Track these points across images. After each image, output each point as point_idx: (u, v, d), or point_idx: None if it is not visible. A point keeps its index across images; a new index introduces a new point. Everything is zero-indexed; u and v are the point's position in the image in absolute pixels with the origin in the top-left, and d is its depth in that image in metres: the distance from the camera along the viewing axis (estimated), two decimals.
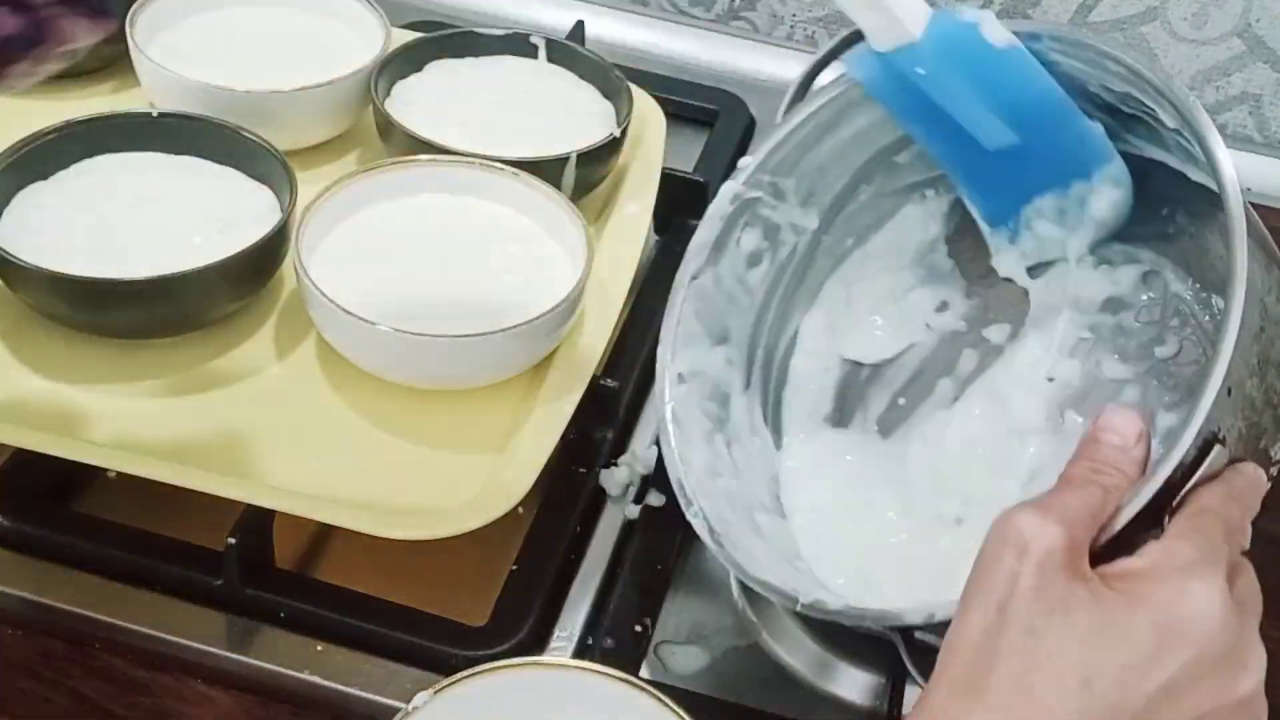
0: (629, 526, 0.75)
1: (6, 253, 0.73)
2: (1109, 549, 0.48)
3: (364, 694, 0.67)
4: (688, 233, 0.93)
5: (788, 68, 1.12)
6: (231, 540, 0.67)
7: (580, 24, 1.07)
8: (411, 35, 0.96)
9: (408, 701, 0.57)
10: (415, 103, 0.91)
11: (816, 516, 0.70)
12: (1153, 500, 0.49)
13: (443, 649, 0.67)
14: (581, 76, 0.95)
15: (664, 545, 0.75)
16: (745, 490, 0.69)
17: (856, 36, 0.65)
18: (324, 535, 0.76)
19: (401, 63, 0.92)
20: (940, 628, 0.53)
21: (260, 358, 0.79)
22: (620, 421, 0.80)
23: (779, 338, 0.74)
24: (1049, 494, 0.49)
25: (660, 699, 0.57)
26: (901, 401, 0.74)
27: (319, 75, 0.88)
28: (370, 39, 0.93)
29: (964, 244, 0.73)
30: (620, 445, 0.79)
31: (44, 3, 0.42)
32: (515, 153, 0.84)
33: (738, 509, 0.67)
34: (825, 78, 0.69)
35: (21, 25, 0.42)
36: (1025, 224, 0.67)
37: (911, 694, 0.67)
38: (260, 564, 0.70)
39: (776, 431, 0.74)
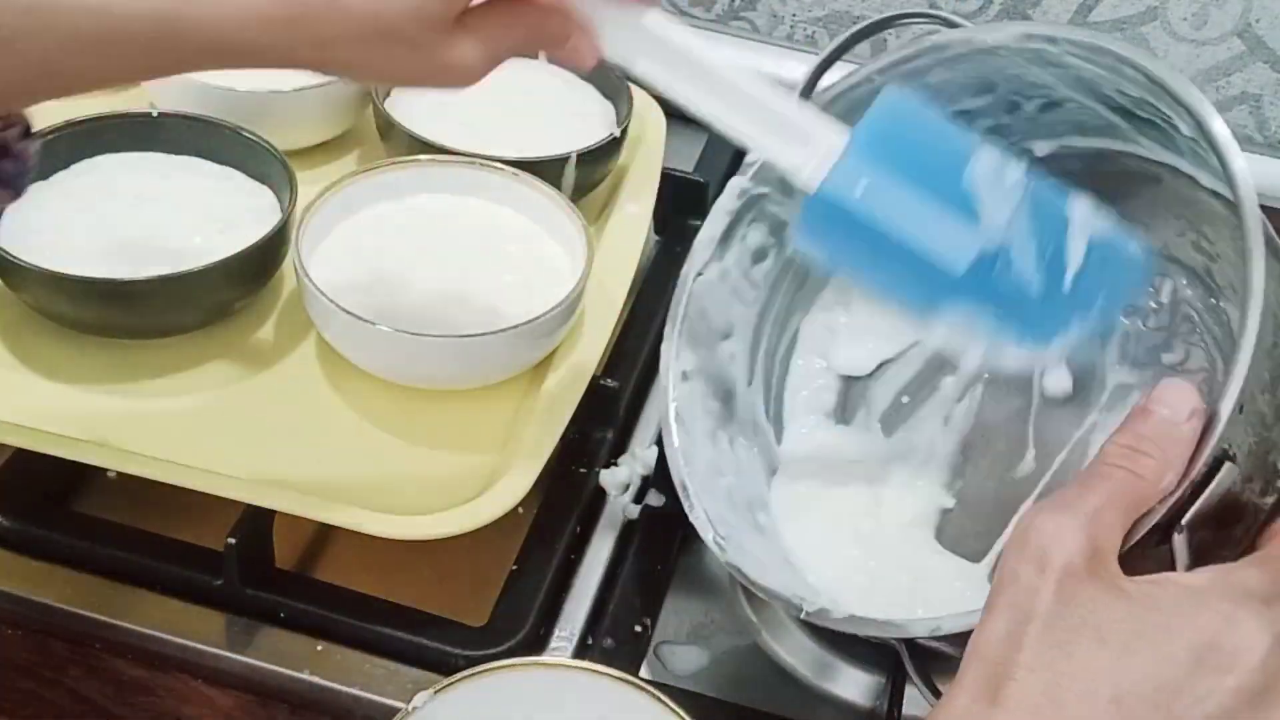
0: (629, 526, 0.75)
1: (6, 253, 0.73)
2: (1120, 558, 0.47)
3: (364, 694, 0.67)
4: (688, 233, 0.94)
5: (788, 68, 1.11)
6: (231, 540, 0.67)
7: None
8: None
9: (408, 701, 0.57)
10: (415, 103, 0.91)
11: (813, 515, 0.70)
12: (1161, 518, 0.48)
13: (443, 649, 0.67)
14: (581, 76, 0.95)
15: (664, 545, 0.75)
16: (747, 488, 0.69)
17: (867, 31, 0.64)
18: (324, 535, 0.76)
19: None
20: (947, 640, 0.53)
21: (260, 358, 0.79)
22: (620, 421, 0.80)
23: (782, 334, 0.74)
24: (1074, 486, 0.47)
25: (660, 699, 0.57)
26: (905, 399, 0.74)
27: (319, 75, 0.88)
28: None
29: None
30: (620, 445, 0.79)
31: None
32: (515, 153, 0.84)
33: (739, 508, 0.67)
34: (829, 78, 0.69)
35: None
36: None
37: (911, 694, 0.67)
38: (260, 564, 0.70)
39: (779, 427, 0.74)
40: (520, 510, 0.71)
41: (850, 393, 0.75)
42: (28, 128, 0.55)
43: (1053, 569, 0.45)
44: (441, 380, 0.77)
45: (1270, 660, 0.44)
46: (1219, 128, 0.55)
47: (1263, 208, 0.56)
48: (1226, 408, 0.48)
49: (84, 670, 0.67)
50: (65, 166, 0.80)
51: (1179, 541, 0.48)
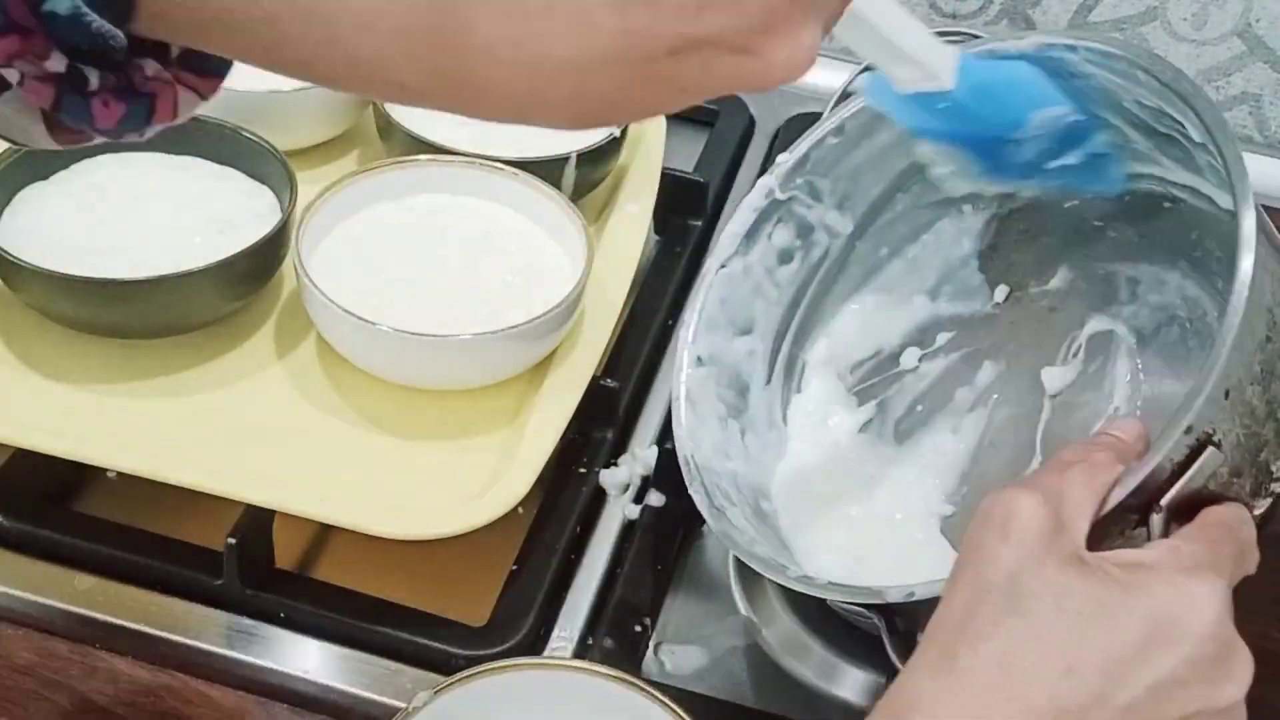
0: (629, 526, 0.75)
1: (6, 253, 0.73)
2: (1095, 537, 0.47)
3: (364, 694, 0.67)
4: (688, 233, 0.94)
5: None
6: (231, 540, 0.67)
7: None
8: None
9: (408, 701, 0.57)
10: None
11: (813, 505, 0.70)
12: (1139, 489, 0.49)
13: (443, 649, 0.67)
14: None
15: (664, 545, 0.75)
16: (754, 476, 0.69)
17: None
18: (324, 535, 0.76)
19: None
20: (919, 606, 0.53)
21: (260, 358, 0.79)
22: (620, 421, 0.80)
23: (805, 339, 0.74)
24: (1038, 472, 0.49)
25: (660, 699, 0.57)
26: (920, 408, 0.74)
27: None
28: None
29: (995, 260, 0.73)
30: (620, 445, 0.79)
31: (153, 72, 0.41)
32: (515, 153, 0.84)
33: (744, 492, 0.67)
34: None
35: (127, 109, 0.41)
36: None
37: None
38: (260, 564, 0.70)
39: (792, 429, 0.73)
40: (520, 510, 0.71)
41: (867, 400, 0.75)
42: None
43: (1015, 539, 0.46)
44: (441, 380, 0.77)
45: (1220, 629, 0.45)
46: (1210, 112, 0.55)
47: (1263, 208, 0.56)
48: (1203, 385, 0.48)
49: (84, 670, 0.67)
50: (65, 166, 0.80)
51: (1156, 521, 0.49)
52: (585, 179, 0.87)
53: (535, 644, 0.69)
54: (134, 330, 0.77)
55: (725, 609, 0.74)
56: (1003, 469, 0.72)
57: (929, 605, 0.49)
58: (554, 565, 0.72)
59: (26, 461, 0.72)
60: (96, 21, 0.36)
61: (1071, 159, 0.60)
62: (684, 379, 0.68)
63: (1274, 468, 0.53)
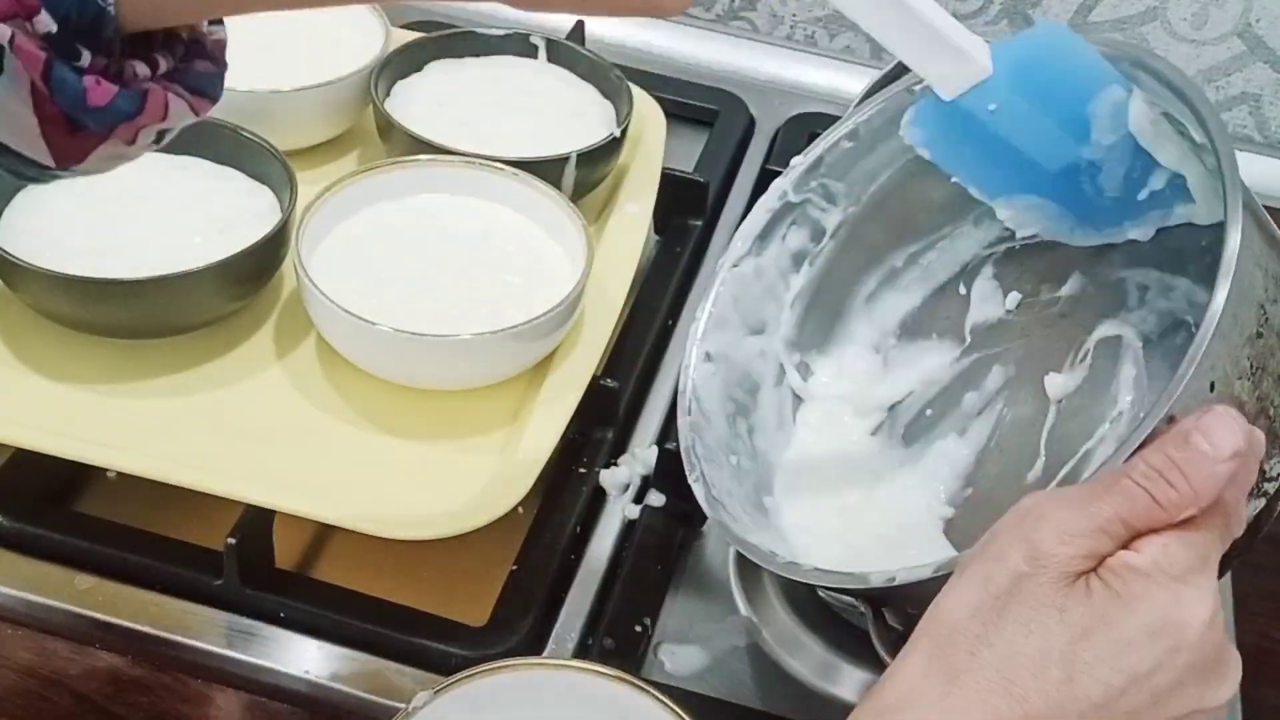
0: (629, 526, 0.75)
1: (6, 253, 0.73)
2: None
3: (364, 694, 0.67)
4: (688, 232, 0.94)
5: (788, 68, 1.12)
6: (231, 540, 0.67)
7: (580, 24, 1.07)
8: (411, 35, 0.96)
9: (408, 701, 0.57)
10: (415, 103, 0.91)
11: (817, 511, 0.70)
12: None
13: (443, 649, 0.67)
14: (581, 76, 0.95)
15: (664, 545, 0.75)
16: (758, 473, 0.69)
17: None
18: (324, 535, 0.76)
19: (401, 63, 0.92)
20: (905, 594, 0.53)
21: (260, 358, 0.79)
22: (620, 421, 0.80)
23: (819, 342, 0.74)
24: (1091, 488, 0.46)
25: (660, 699, 0.57)
26: (929, 412, 0.74)
27: (319, 75, 0.88)
28: (370, 39, 0.93)
29: (1010, 266, 0.73)
30: (620, 445, 0.79)
31: (144, 75, 0.41)
32: (515, 153, 0.84)
33: (745, 487, 0.67)
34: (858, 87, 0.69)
35: (117, 95, 0.41)
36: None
37: None
38: (260, 564, 0.70)
39: (801, 430, 0.73)
40: (520, 510, 0.71)
41: (876, 405, 0.75)
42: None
43: (1043, 565, 0.45)
44: (441, 380, 0.77)
45: (1213, 633, 0.45)
46: (1205, 107, 0.54)
47: (1264, 208, 0.56)
48: (1188, 373, 0.48)
49: (84, 670, 0.67)
50: None
51: None
52: (585, 179, 0.87)
53: (535, 644, 0.69)
54: (134, 330, 0.77)
55: (725, 609, 0.74)
56: (1005, 472, 0.72)
57: (914, 592, 0.49)
58: (554, 565, 0.72)
59: (26, 461, 0.72)
60: None
61: (1157, 182, 0.57)
62: (691, 374, 0.68)
63: (1267, 467, 0.53)
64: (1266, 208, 0.56)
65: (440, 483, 0.73)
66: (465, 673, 0.58)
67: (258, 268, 0.78)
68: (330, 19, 0.95)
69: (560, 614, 0.71)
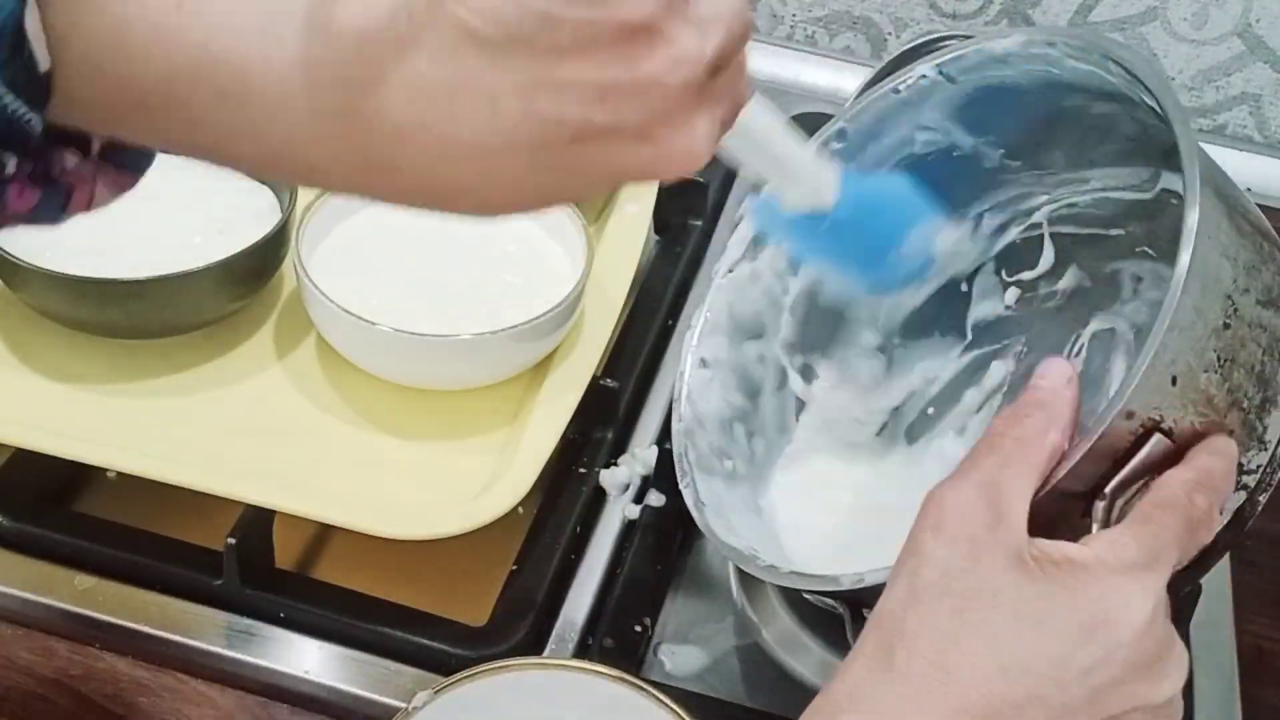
0: (629, 526, 0.75)
1: (6, 253, 0.73)
2: (1039, 524, 0.47)
3: (364, 694, 0.67)
4: (688, 232, 0.94)
5: (787, 67, 1.12)
6: (231, 540, 0.67)
7: None
8: None
9: (408, 701, 0.57)
10: None
11: (813, 513, 0.70)
12: (1079, 475, 0.48)
13: (443, 649, 0.67)
14: None
15: (664, 545, 0.75)
16: (756, 477, 0.69)
17: (917, 51, 0.65)
18: (324, 535, 0.76)
19: None
20: (873, 593, 0.53)
21: (260, 358, 0.79)
22: (620, 421, 0.80)
23: (821, 345, 0.74)
24: (969, 456, 0.48)
25: (660, 699, 0.57)
26: (930, 411, 0.74)
27: None
28: None
29: (1011, 261, 0.72)
30: (620, 445, 0.79)
31: (72, 165, 0.41)
32: None
33: (741, 490, 0.67)
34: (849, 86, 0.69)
35: (42, 197, 0.41)
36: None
37: None
38: (260, 564, 0.70)
39: (802, 434, 0.73)
40: (520, 510, 0.71)
41: (880, 407, 0.75)
42: None
43: (950, 535, 0.45)
44: (441, 380, 0.77)
45: (1154, 628, 0.45)
46: (1152, 72, 0.54)
47: (1263, 208, 0.55)
48: (1142, 365, 0.47)
49: (84, 670, 0.67)
50: None
51: (1098, 509, 0.48)
52: None
53: (535, 644, 0.69)
54: (134, 330, 0.77)
55: (725, 609, 0.74)
56: None
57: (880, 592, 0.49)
58: (554, 565, 0.72)
59: (26, 461, 0.72)
60: (13, 104, 0.36)
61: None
62: (686, 379, 0.68)
63: (1244, 460, 0.52)
64: (1267, 208, 0.56)
65: (440, 483, 0.73)
66: (465, 673, 0.58)
67: (258, 268, 0.78)
68: None
69: (560, 614, 0.71)
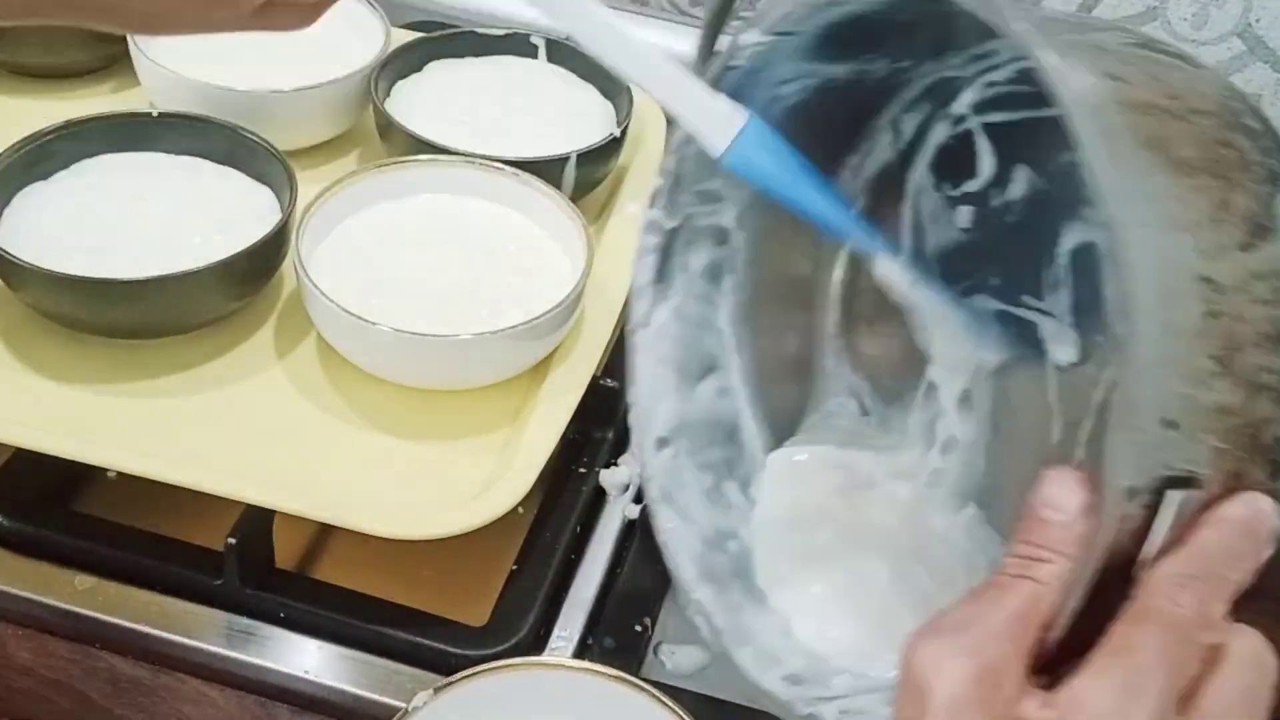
0: (629, 526, 0.75)
1: (6, 253, 0.73)
2: (1071, 648, 0.41)
3: (364, 694, 0.67)
4: None
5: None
6: (231, 540, 0.67)
7: None
8: (411, 35, 0.96)
9: (408, 701, 0.57)
10: (415, 103, 0.91)
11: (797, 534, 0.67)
12: (1101, 581, 0.40)
13: (443, 649, 0.67)
14: (581, 76, 0.95)
15: None
16: (750, 545, 0.60)
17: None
18: (324, 535, 0.76)
19: (401, 63, 0.92)
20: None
21: (260, 358, 0.79)
22: (620, 421, 0.80)
23: (782, 341, 0.69)
24: (964, 605, 0.42)
25: (660, 699, 0.57)
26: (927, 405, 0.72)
27: (319, 75, 0.88)
28: (370, 39, 0.93)
29: (949, 172, 0.60)
30: (620, 445, 0.79)
31: None
32: (515, 153, 0.84)
33: (743, 572, 0.59)
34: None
35: None
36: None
37: None
38: (260, 564, 0.70)
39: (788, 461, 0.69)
40: (520, 510, 0.71)
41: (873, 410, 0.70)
42: None
43: (933, 705, 0.40)
44: (441, 380, 0.77)
45: None
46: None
47: None
48: (1115, 438, 0.39)
49: (84, 670, 0.67)
50: (65, 166, 0.80)
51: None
52: (585, 179, 0.87)
53: (535, 644, 0.69)
54: (134, 330, 0.77)
55: None
56: (1027, 434, 0.62)
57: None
58: (554, 565, 0.72)
59: (26, 461, 0.72)
60: None
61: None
62: (654, 475, 0.57)
63: None
64: None
65: (440, 483, 0.73)
66: (465, 673, 0.58)
67: (258, 268, 0.78)
68: (330, 19, 0.95)
69: (560, 614, 0.71)
